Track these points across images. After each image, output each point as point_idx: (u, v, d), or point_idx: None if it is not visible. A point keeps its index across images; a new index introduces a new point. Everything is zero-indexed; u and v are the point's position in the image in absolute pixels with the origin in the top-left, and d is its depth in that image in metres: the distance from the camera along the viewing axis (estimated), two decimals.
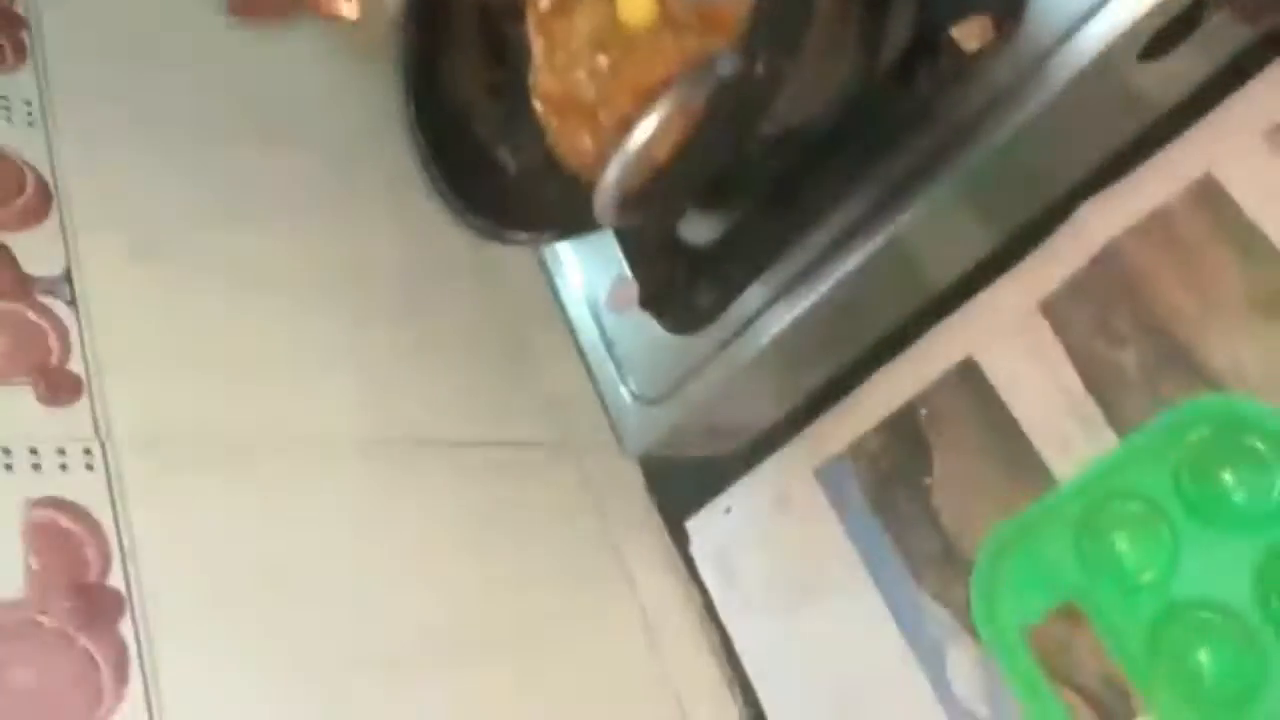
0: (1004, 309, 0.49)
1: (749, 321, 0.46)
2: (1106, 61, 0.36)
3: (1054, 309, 0.48)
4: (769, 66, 0.32)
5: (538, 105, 0.48)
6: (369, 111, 0.61)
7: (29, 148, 0.53)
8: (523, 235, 0.42)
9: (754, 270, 0.45)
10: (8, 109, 0.54)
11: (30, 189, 0.52)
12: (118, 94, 0.56)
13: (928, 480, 0.51)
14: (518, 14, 0.49)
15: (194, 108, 0.59)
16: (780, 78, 0.33)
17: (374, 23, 0.59)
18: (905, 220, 0.41)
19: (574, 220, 0.43)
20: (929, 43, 0.39)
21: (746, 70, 0.32)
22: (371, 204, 0.63)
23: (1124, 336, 0.46)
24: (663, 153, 0.36)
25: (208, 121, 0.59)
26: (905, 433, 0.52)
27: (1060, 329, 0.48)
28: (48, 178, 0.52)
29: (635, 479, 0.63)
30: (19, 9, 0.59)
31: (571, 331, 0.56)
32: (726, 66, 0.32)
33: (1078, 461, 0.47)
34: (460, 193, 0.45)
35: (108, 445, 0.44)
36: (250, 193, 0.59)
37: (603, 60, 0.46)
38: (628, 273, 0.52)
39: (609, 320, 0.53)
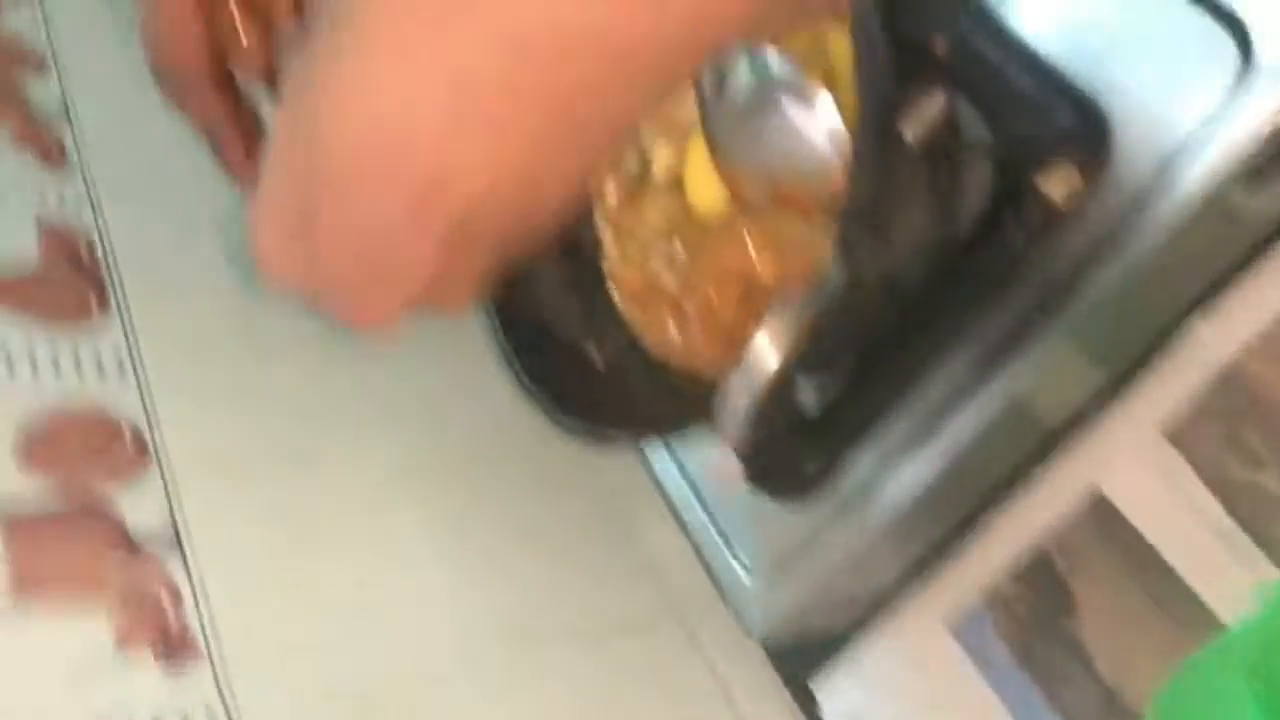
0: (1125, 437, 0.47)
1: (864, 487, 0.45)
2: (1209, 197, 0.35)
3: (1179, 433, 0.46)
4: (874, 267, 0.31)
5: (616, 297, 0.48)
6: None
7: (122, 400, 0.54)
8: (620, 434, 0.41)
9: (860, 435, 0.44)
10: (99, 362, 0.56)
11: (128, 440, 0.52)
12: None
13: (1074, 624, 0.48)
14: (589, 215, 0.49)
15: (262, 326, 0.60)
16: (887, 275, 0.32)
17: None
18: (1015, 374, 0.40)
19: (670, 414, 0.42)
20: (1013, 194, 0.38)
21: (855, 280, 0.31)
22: (454, 393, 0.63)
23: (1260, 457, 0.44)
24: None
25: (280, 342, 0.60)
26: (1041, 574, 0.50)
27: (1189, 453, 0.46)
28: (143, 429, 0.53)
29: (754, 648, 0.61)
30: (97, 254, 0.61)
31: (670, 504, 0.55)
32: (835, 279, 0.31)
33: (1235, 591, 0.44)
34: (549, 391, 0.44)
35: (232, 710, 0.43)
36: (337, 403, 0.59)
37: (679, 249, 0.46)
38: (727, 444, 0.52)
39: (710, 491, 0.52)
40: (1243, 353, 0.44)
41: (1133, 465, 0.47)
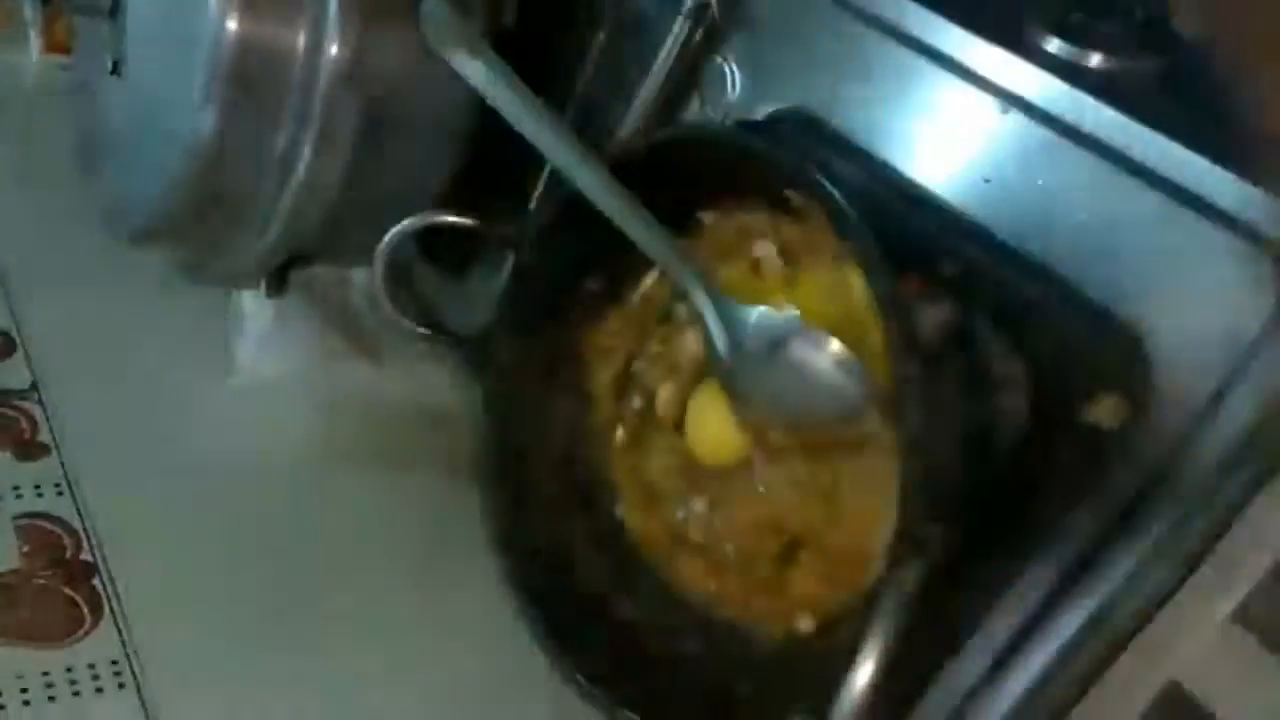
0: (1193, 626, 0.45)
1: None
2: (1260, 420, 0.33)
3: (1250, 618, 0.44)
4: (951, 541, 0.29)
5: (639, 546, 0.46)
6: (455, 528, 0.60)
7: None
8: None
9: (927, 680, 0.41)
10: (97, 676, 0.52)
11: None
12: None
13: None
14: (600, 460, 0.47)
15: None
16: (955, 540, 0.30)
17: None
18: (1088, 608, 0.38)
19: (738, 706, 0.39)
20: (1057, 425, 0.36)
21: (928, 571, 0.29)
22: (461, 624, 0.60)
23: None
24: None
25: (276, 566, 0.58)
26: None
27: (1266, 639, 0.44)
28: None
29: None
30: (85, 556, 0.58)
31: None
32: (911, 577, 0.29)
33: None
34: (569, 650, 0.41)
35: None
36: (336, 626, 0.57)
37: (699, 504, 0.44)
38: None
39: None
40: None
41: (1206, 654, 0.45)
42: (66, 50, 0.86)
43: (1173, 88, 0.39)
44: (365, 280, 0.69)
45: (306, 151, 0.49)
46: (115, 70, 0.55)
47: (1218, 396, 0.33)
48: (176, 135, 0.49)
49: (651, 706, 0.39)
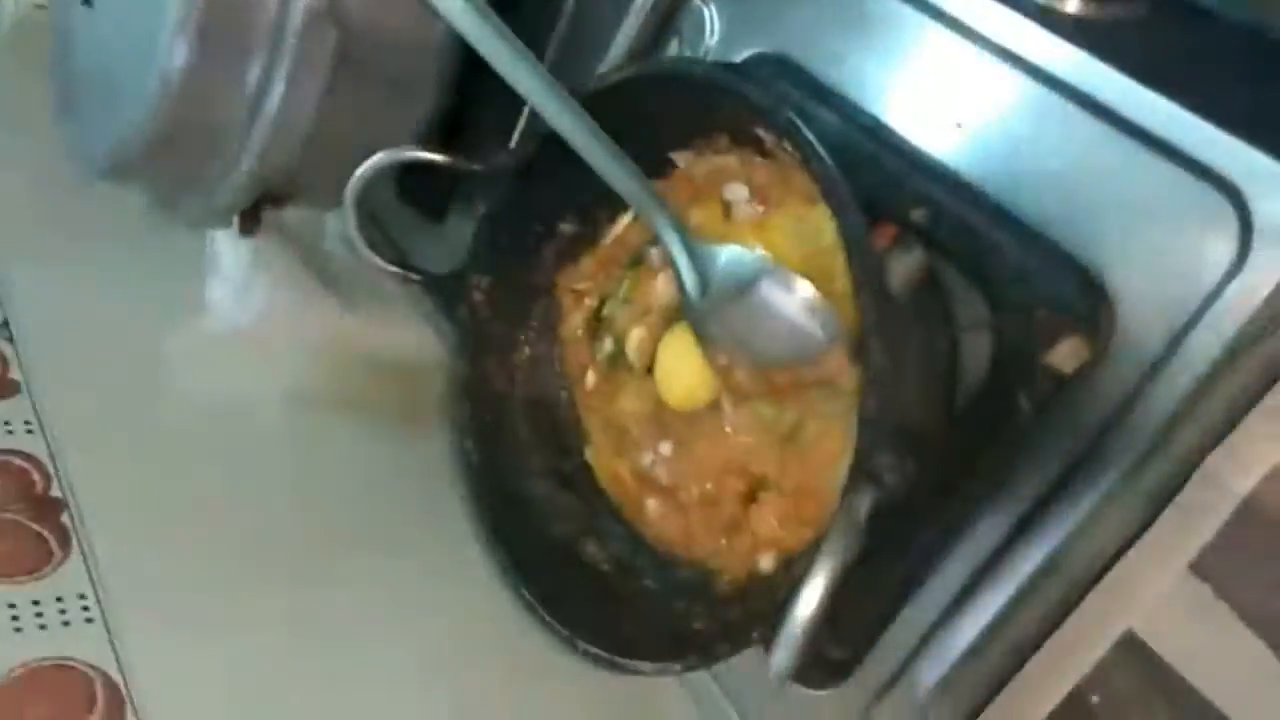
0: (1152, 577, 0.46)
1: (898, 672, 0.42)
2: (1220, 362, 0.34)
3: (1208, 569, 0.44)
4: (905, 476, 0.29)
5: (607, 488, 0.46)
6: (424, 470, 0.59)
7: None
8: (646, 666, 0.38)
9: (886, 620, 0.42)
10: (64, 610, 0.52)
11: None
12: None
13: None
14: (570, 403, 0.47)
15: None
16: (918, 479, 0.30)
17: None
18: (1044, 538, 0.38)
19: (692, 629, 0.39)
20: (1018, 365, 0.37)
21: (887, 499, 0.29)
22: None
23: None
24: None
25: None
26: None
27: (1221, 590, 0.44)
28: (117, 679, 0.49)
29: None
30: (54, 492, 0.58)
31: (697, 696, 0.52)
32: (862, 506, 0.30)
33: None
34: (563, 617, 0.41)
35: None
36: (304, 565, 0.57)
37: (666, 448, 0.44)
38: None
39: (730, 680, 0.50)
40: (1262, 484, 0.43)
41: (1164, 605, 0.46)
42: None
43: (1147, 34, 0.39)
44: (339, 225, 0.69)
45: (280, 84, 0.48)
46: (87, 1, 0.54)
47: (1177, 340, 0.34)
48: (148, 66, 0.49)
49: (613, 640, 0.39)
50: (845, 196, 0.36)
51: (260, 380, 0.66)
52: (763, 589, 0.38)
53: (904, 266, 0.42)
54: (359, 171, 0.43)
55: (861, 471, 0.30)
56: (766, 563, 0.40)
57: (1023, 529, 0.38)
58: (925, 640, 0.42)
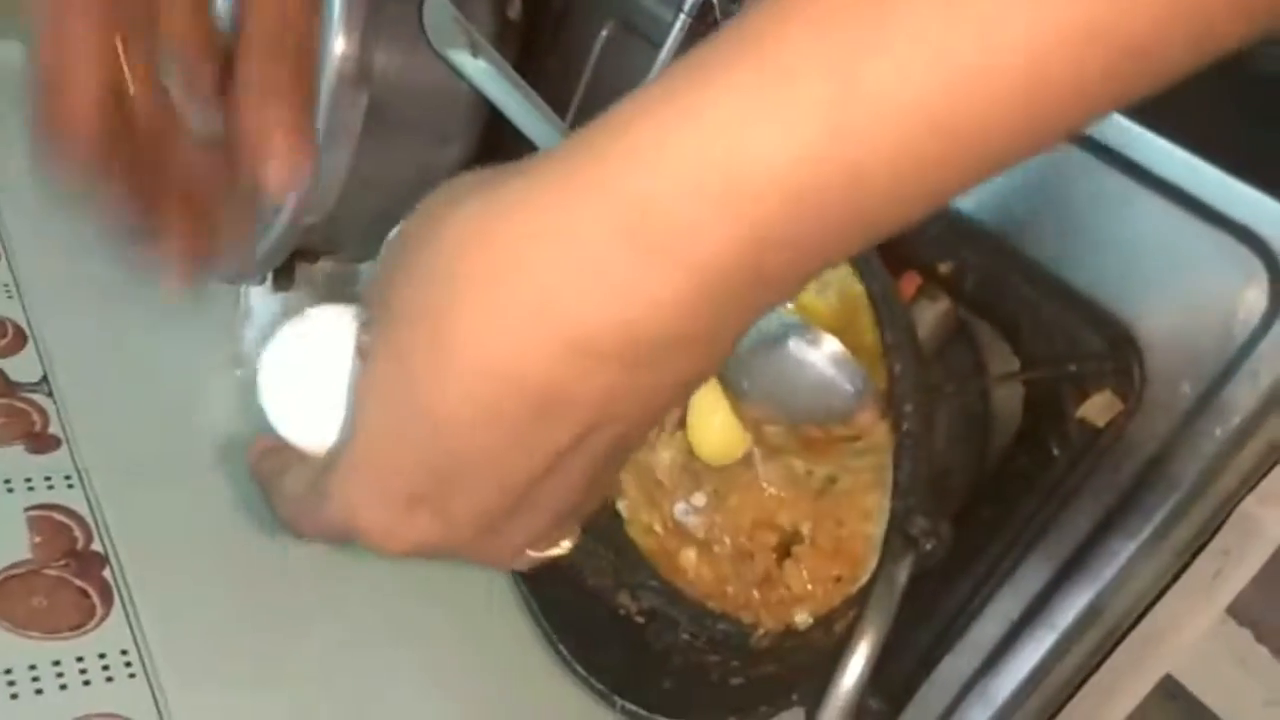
0: (1190, 621, 0.46)
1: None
2: (1254, 416, 0.34)
3: (1247, 613, 0.44)
4: (941, 539, 0.30)
5: (638, 540, 0.47)
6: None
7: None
8: None
9: (924, 669, 0.42)
10: (106, 665, 0.53)
11: None
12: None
13: None
14: None
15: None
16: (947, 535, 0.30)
17: None
18: (1086, 597, 0.38)
19: (736, 696, 0.40)
20: (1051, 420, 0.37)
21: (923, 561, 0.29)
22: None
23: None
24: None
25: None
26: None
27: (1262, 635, 0.44)
28: None
29: None
30: (95, 546, 0.59)
31: None
32: (901, 574, 0.30)
33: None
34: (595, 669, 0.42)
35: None
36: (346, 617, 0.57)
37: (699, 498, 0.44)
38: None
39: None
40: None
41: (1203, 649, 0.45)
42: None
43: (1173, 90, 0.39)
44: (372, 274, 0.69)
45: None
46: None
47: (1211, 392, 0.34)
48: None
49: (651, 695, 0.39)
50: (868, 255, 0.36)
51: None
52: (800, 645, 0.39)
53: (931, 314, 0.42)
54: (393, 233, 0.44)
55: (898, 536, 0.30)
56: (803, 618, 0.40)
57: (1059, 582, 0.38)
58: (967, 689, 0.42)
